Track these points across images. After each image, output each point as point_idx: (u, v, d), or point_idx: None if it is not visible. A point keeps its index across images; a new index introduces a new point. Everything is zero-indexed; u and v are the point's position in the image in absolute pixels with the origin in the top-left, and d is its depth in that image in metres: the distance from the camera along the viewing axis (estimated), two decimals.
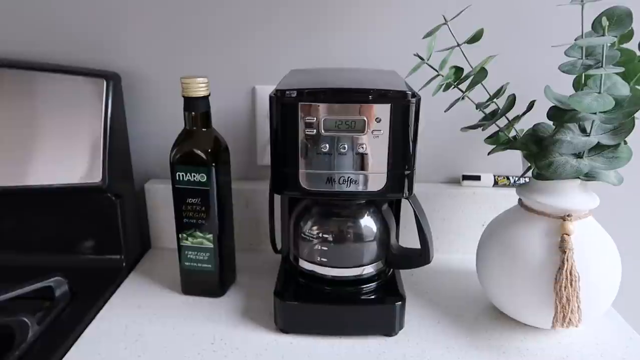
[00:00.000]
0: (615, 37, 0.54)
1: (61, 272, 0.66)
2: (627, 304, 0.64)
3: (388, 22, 0.70)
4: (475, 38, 0.57)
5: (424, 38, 0.57)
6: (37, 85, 0.67)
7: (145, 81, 0.74)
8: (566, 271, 0.52)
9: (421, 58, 0.58)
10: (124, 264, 0.72)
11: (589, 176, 0.53)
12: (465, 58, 0.58)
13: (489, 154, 0.61)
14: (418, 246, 0.58)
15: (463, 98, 0.59)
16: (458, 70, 0.59)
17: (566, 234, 0.53)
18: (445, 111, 0.60)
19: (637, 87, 0.54)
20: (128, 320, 0.61)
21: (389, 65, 0.69)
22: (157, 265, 0.74)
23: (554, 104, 0.53)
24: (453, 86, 0.59)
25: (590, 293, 0.53)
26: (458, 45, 0.58)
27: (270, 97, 0.51)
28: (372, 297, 0.59)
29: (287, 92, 0.51)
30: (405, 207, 0.59)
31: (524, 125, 0.59)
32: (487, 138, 0.61)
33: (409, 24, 0.69)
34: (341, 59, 0.72)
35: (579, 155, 0.52)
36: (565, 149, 0.51)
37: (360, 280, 0.59)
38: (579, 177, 0.53)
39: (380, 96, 0.50)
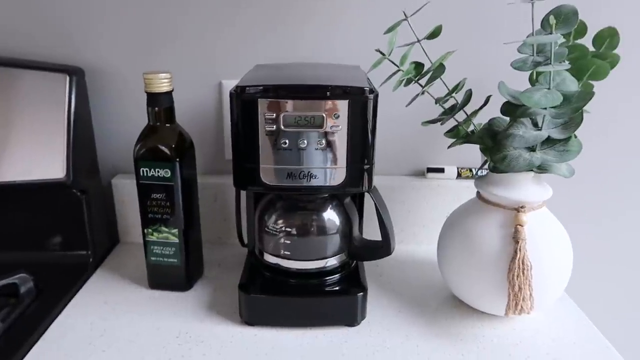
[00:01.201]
0: (569, 34, 0.56)
1: (27, 269, 0.65)
2: (579, 291, 0.67)
3: (353, 18, 0.71)
4: (434, 34, 0.58)
5: (384, 34, 0.58)
6: None
7: (111, 76, 0.74)
8: (519, 260, 0.54)
9: (382, 54, 0.59)
10: (91, 260, 0.72)
11: (541, 169, 0.55)
12: (425, 54, 0.59)
13: (448, 147, 0.62)
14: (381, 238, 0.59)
15: (423, 93, 0.60)
16: (418, 65, 0.60)
17: (519, 225, 0.55)
18: (406, 106, 0.61)
19: (589, 82, 0.56)
20: (94, 316, 0.61)
21: (354, 60, 0.70)
22: (125, 261, 0.75)
23: (507, 99, 0.54)
24: (414, 81, 0.60)
25: (543, 281, 0.56)
26: (418, 41, 0.59)
27: (231, 93, 0.52)
28: (335, 288, 0.60)
29: (247, 89, 0.51)
30: (369, 199, 0.61)
31: (485, 120, 0.60)
32: (446, 132, 0.62)
33: (374, 19, 0.70)
34: (308, 54, 0.73)
35: (532, 149, 0.54)
36: (517, 143, 0.52)
37: (323, 273, 0.60)
38: (532, 170, 0.55)
39: (338, 92, 0.51)
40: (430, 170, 0.77)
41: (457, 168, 0.77)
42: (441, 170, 0.77)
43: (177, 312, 0.62)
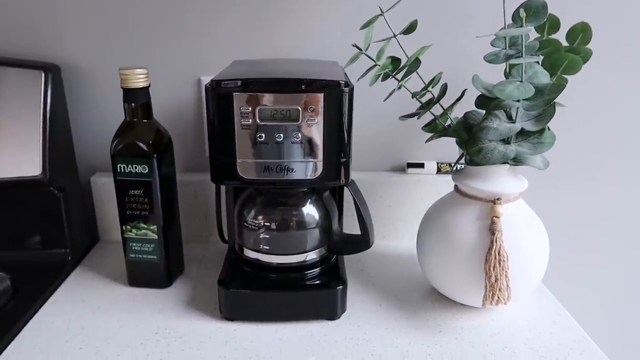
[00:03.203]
0: (543, 28, 0.57)
1: (3, 268, 0.65)
2: (556, 281, 0.68)
3: (330, 13, 0.71)
4: (410, 29, 0.59)
5: (361, 29, 0.59)
6: None
7: (88, 72, 0.73)
8: (495, 251, 0.55)
9: (359, 48, 0.59)
10: (69, 258, 0.71)
11: (516, 161, 0.56)
12: (402, 48, 0.60)
13: (426, 141, 0.63)
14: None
15: (400, 87, 0.60)
16: (395, 60, 0.60)
17: (496, 217, 0.56)
18: (384, 100, 0.61)
19: (563, 75, 0.57)
20: (71, 314, 0.61)
21: (332, 55, 0.70)
22: (105, 258, 0.74)
23: (481, 92, 0.55)
24: (391, 76, 0.61)
25: (519, 271, 0.56)
26: (394, 36, 0.59)
27: (206, 87, 0.52)
28: (315, 282, 0.60)
29: (223, 83, 0.51)
30: (348, 194, 0.61)
31: (462, 114, 0.61)
32: (424, 126, 0.63)
33: (350, 15, 0.71)
34: (286, 50, 0.73)
35: (506, 141, 0.55)
36: (491, 135, 0.53)
37: (303, 267, 0.60)
38: (507, 162, 0.56)
39: (313, 86, 0.51)
40: (410, 165, 0.78)
41: (437, 163, 0.78)
42: (421, 165, 0.77)
43: (156, 308, 0.62)
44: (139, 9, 0.71)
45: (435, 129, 0.63)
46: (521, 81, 0.51)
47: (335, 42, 0.72)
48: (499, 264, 0.55)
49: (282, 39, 0.72)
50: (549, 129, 0.55)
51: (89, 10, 0.70)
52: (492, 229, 0.55)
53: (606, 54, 0.72)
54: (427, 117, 0.62)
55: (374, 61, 0.60)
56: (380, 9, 0.58)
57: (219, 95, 0.52)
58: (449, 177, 0.77)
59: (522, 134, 0.54)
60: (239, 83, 0.51)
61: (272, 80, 0.52)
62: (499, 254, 0.55)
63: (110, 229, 0.79)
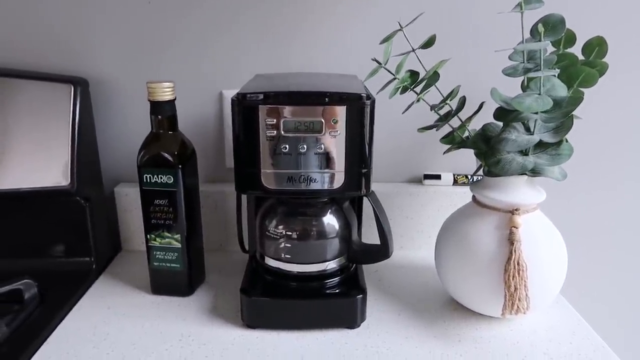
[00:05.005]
0: (560, 42, 0.58)
1: (31, 276, 0.66)
2: (574, 292, 0.68)
3: (350, 29, 0.73)
4: (429, 43, 0.60)
5: (380, 43, 0.60)
6: (4, 90, 0.67)
7: (114, 87, 0.76)
8: (514, 261, 0.55)
9: (378, 62, 0.61)
10: (94, 267, 0.73)
11: (534, 172, 0.57)
12: (420, 62, 0.61)
13: (444, 153, 0.64)
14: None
15: (418, 100, 0.62)
16: (413, 74, 0.62)
17: (514, 227, 0.57)
18: (402, 113, 0.63)
19: (579, 88, 0.58)
20: (97, 320, 0.62)
21: (351, 70, 0.72)
22: (128, 267, 0.76)
23: (500, 105, 0.56)
24: (409, 89, 0.62)
25: (538, 282, 0.57)
26: (413, 50, 0.61)
27: (232, 100, 0.54)
28: (335, 291, 0.61)
29: (248, 96, 0.53)
30: (367, 205, 0.62)
31: (479, 126, 0.62)
32: (442, 138, 0.64)
33: (370, 30, 0.72)
34: (306, 64, 0.75)
35: (524, 153, 0.56)
36: (510, 147, 0.54)
37: (323, 276, 0.61)
38: (525, 173, 0.57)
39: (336, 98, 0.52)
40: (427, 177, 0.79)
41: (453, 174, 0.79)
42: (438, 177, 0.78)
43: (179, 316, 0.63)
44: (164, 26, 0.73)
45: (454, 140, 0.64)
46: (539, 94, 0.52)
47: (354, 56, 0.74)
48: (518, 273, 0.55)
49: (301, 54, 0.74)
50: (566, 140, 0.56)
51: (117, 27, 0.73)
52: (511, 239, 0.56)
53: (622, 67, 0.72)
54: (445, 129, 0.64)
55: (393, 75, 0.61)
56: (400, 24, 0.60)
57: (245, 108, 0.53)
58: (465, 188, 0.78)
59: (540, 145, 0.55)
60: (265, 96, 0.53)
61: (296, 93, 0.54)
62: (518, 263, 0.55)
63: (132, 239, 0.81)
